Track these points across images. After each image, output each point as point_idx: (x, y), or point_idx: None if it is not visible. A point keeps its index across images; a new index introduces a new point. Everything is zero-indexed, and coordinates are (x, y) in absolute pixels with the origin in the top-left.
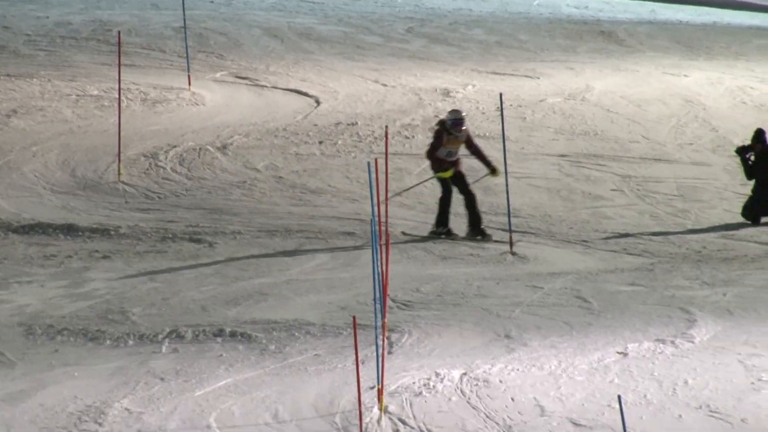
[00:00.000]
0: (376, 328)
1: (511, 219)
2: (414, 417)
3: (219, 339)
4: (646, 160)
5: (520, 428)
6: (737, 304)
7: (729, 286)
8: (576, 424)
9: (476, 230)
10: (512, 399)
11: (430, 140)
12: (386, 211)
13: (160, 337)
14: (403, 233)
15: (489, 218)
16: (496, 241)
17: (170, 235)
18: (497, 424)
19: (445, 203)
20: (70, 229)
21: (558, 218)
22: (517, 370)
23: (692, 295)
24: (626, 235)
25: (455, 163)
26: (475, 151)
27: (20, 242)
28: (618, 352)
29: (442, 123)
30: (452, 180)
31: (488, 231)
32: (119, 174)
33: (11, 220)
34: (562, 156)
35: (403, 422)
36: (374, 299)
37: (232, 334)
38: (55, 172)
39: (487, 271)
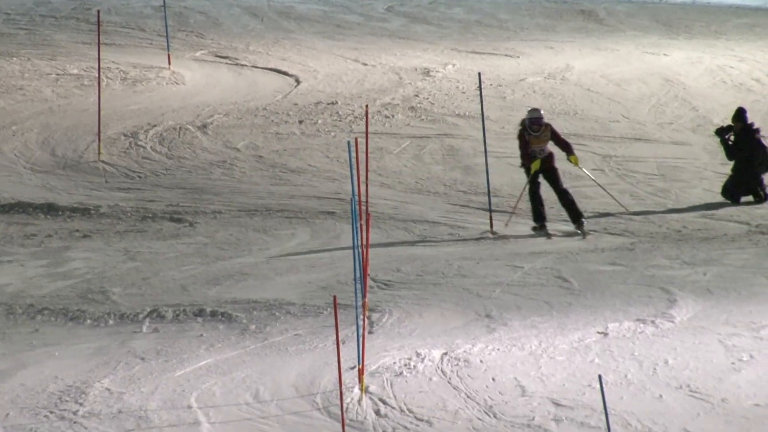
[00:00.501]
0: (356, 307)
1: (491, 198)
2: (395, 397)
3: (199, 319)
4: (626, 139)
5: (501, 408)
6: (717, 283)
7: (709, 266)
8: (557, 404)
9: (577, 225)
10: (493, 379)
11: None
12: (366, 191)
13: (141, 316)
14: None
15: (469, 198)
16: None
17: (150, 215)
18: (478, 404)
19: (532, 197)
20: (50, 209)
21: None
22: (498, 350)
23: (672, 275)
24: (606, 215)
25: (547, 160)
26: (563, 145)
27: (0, 222)
28: (598, 332)
29: (522, 123)
30: (543, 175)
31: (586, 228)
32: (99, 153)
33: None
34: None
35: (384, 402)
36: (354, 279)
37: (213, 314)
38: (35, 151)
39: (467, 250)
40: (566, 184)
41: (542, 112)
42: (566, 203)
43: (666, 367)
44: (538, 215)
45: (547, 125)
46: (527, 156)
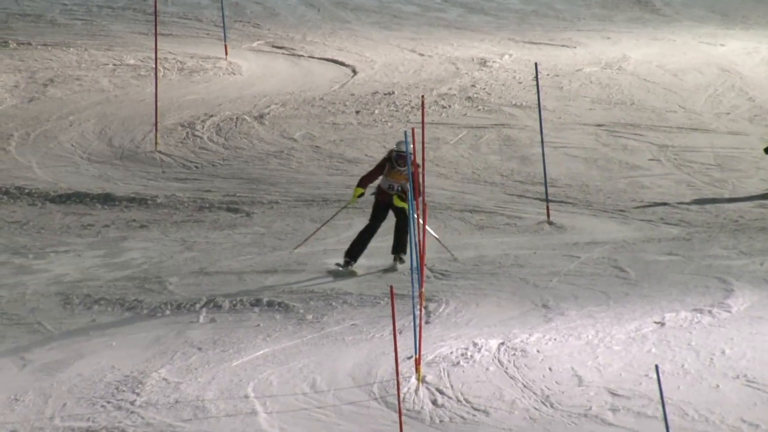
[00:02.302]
0: (413, 297)
1: (548, 188)
2: (451, 387)
3: (256, 309)
4: (683, 129)
5: (558, 398)
6: None
7: (766, 256)
8: (613, 394)
9: (395, 256)
10: (550, 369)
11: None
12: (423, 181)
13: (198, 306)
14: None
15: (526, 187)
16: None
17: (207, 205)
18: (535, 393)
19: (362, 235)
20: (107, 199)
21: (595, 188)
22: (555, 339)
23: (729, 265)
24: (663, 205)
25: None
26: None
27: (57, 212)
28: (655, 322)
29: (389, 153)
30: (395, 212)
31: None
32: (156, 143)
33: (48, 189)
34: (599, 125)
35: (441, 392)
36: (411, 269)
37: (270, 304)
38: (92, 142)
39: (524, 240)
40: (620, 174)
41: (411, 147)
42: (399, 235)
43: (723, 357)
44: (353, 252)
45: (417, 166)
46: (366, 179)
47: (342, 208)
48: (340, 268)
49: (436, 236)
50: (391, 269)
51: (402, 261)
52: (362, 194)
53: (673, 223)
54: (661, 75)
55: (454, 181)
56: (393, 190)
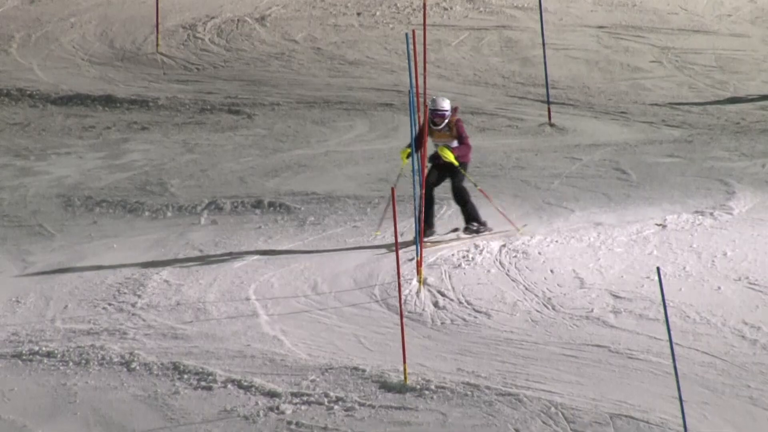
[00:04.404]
0: (415, 199)
1: (549, 90)
2: (453, 289)
3: (258, 210)
4: (684, 31)
5: (559, 300)
6: None
7: None
8: (615, 296)
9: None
10: (551, 271)
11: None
12: (425, 82)
13: (199, 208)
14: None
15: (527, 89)
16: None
17: (209, 107)
18: (536, 296)
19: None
20: (108, 101)
21: (597, 90)
22: (556, 242)
23: (731, 167)
24: (665, 106)
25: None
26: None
27: (59, 114)
28: (657, 224)
29: (427, 112)
30: (442, 172)
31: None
32: (157, 45)
33: (50, 91)
34: (601, 27)
35: (442, 294)
36: (413, 170)
37: (271, 206)
38: (94, 43)
39: (525, 142)
40: (622, 76)
41: (448, 103)
42: (459, 205)
43: (724, 259)
44: (428, 220)
45: (458, 121)
46: (414, 141)
47: (398, 177)
48: (434, 235)
49: (501, 210)
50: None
51: (476, 229)
52: (410, 154)
53: (675, 125)
54: None
55: (456, 83)
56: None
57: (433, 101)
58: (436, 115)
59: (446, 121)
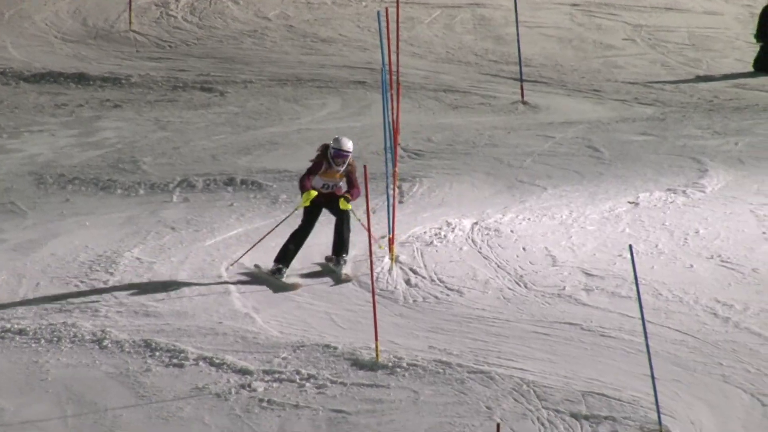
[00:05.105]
0: (387, 177)
1: (522, 68)
2: (425, 266)
3: (230, 188)
4: (657, 9)
5: (531, 278)
6: (749, 153)
7: (741, 136)
8: (587, 274)
9: (336, 258)
10: (523, 249)
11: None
12: (397, 60)
13: (171, 186)
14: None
15: (500, 67)
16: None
17: (181, 84)
18: (508, 273)
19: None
20: (81, 78)
21: (569, 67)
22: (529, 219)
23: (704, 145)
24: (638, 84)
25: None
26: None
27: (31, 91)
28: (629, 202)
29: (324, 149)
30: (333, 211)
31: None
32: (130, 23)
33: (22, 69)
34: (574, 5)
35: (414, 272)
36: (385, 148)
37: (243, 183)
38: (66, 21)
39: (498, 120)
40: (595, 54)
41: (351, 145)
42: (341, 235)
43: (697, 237)
44: (286, 256)
45: (353, 165)
46: (308, 181)
47: (293, 212)
48: (272, 276)
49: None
50: (333, 270)
51: (345, 262)
52: (315, 195)
53: (648, 103)
54: None
55: (429, 60)
56: (327, 188)
57: (338, 141)
58: (339, 155)
59: (347, 163)
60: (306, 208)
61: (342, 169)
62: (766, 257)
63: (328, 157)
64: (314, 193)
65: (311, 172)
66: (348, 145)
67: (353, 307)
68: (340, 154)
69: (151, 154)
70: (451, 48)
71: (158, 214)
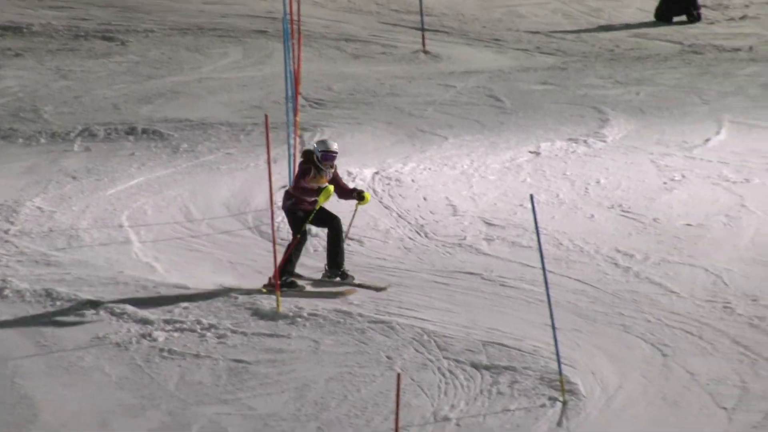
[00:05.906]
0: (288, 126)
1: (423, 17)
2: None
3: (131, 137)
4: None
5: (432, 227)
6: (650, 103)
7: (642, 85)
8: (488, 224)
9: (331, 271)
10: (424, 198)
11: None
12: (299, 9)
13: (72, 135)
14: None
15: (401, 16)
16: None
17: (82, 33)
18: (409, 223)
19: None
20: None
21: (471, 17)
22: (430, 169)
23: (605, 94)
24: (539, 34)
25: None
26: (348, 191)
27: None
28: (530, 152)
29: (307, 154)
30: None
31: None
32: None
33: None
34: None
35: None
36: (286, 97)
37: (144, 132)
38: None
39: (399, 69)
40: (496, 2)
41: (337, 145)
42: (334, 248)
43: (598, 187)
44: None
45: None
46: (311, 191)
47: (308, 220)
48: (288, 289)
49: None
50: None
51: (347, 276)
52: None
53: (549, 53)
54: None
55: (330, 9)
56: (316, 194)
57: (324, 143)
58: (328, 157)
59: (335, 166)
60: (294, 222)
61: (330, 173)
62: (667, 207)
63: (315, 162)
64: (332, 187)
65: (301, 181)
66: (335, 145)
67: (254, 256)
68: (329, 155)
69: (52, 103)
70: None
71: (59, 163)
